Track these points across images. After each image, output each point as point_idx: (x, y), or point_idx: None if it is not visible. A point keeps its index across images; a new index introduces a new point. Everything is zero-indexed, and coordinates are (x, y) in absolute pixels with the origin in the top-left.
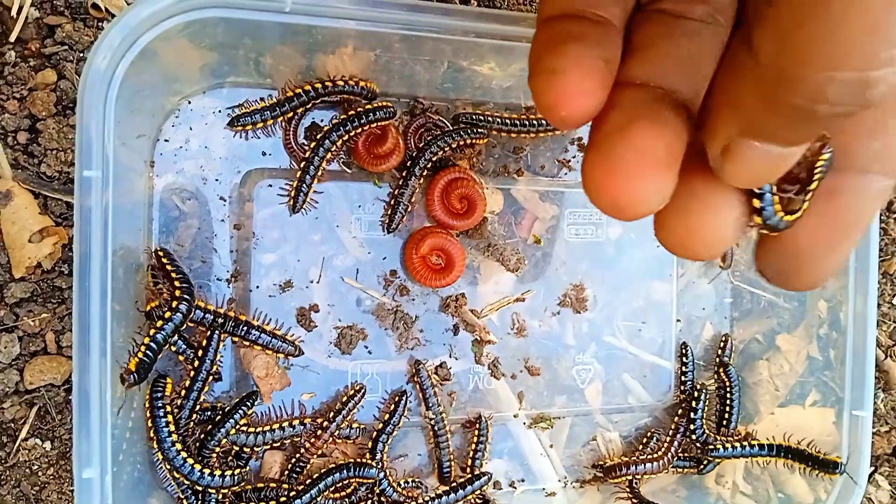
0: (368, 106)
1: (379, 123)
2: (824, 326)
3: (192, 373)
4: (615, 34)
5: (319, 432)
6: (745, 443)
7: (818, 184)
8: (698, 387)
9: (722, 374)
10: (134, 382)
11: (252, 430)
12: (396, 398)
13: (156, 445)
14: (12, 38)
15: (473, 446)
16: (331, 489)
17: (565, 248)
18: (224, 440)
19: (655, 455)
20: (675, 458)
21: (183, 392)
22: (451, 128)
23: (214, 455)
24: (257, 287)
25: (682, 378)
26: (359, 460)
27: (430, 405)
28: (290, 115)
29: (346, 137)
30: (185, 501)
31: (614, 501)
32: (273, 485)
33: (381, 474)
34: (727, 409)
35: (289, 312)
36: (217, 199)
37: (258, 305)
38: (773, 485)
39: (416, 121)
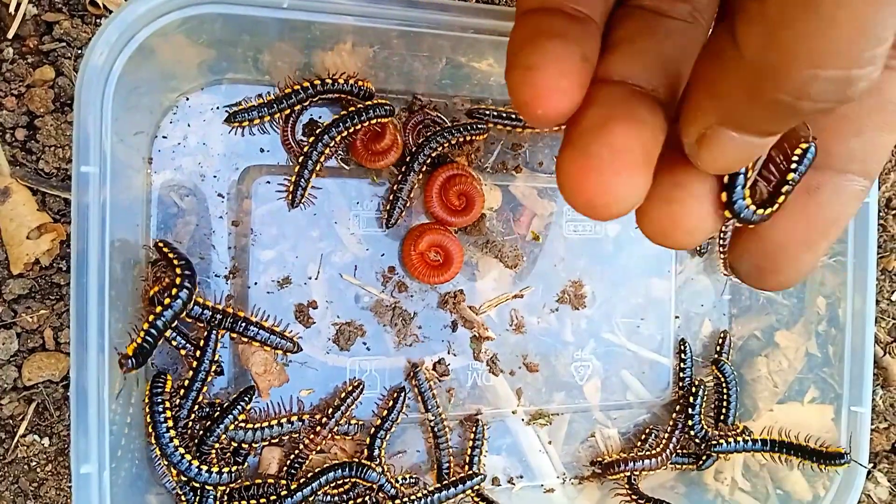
0: (368, 103)
1: (379, 121)
2: (823, 323)
3: (193, 369)
4: (595, 31)
5: (318, 428)
6: (748, 438)
7: (799, 179)
8: (696, 383)
9: (715, 370)
10: (132, 367)
11: (250, 426)
12: (395, 395)
13: (154, 441)
14: (10, 35)
15: (470, 450)
16: (329, 486)
17: (564, 245)
18: (223, 436)
19: (654, 451)
20: (674, 455)
21: (183, 390)
22: (449, 124)
23: (213, 451)
24: (255, 283)
25: (681, 375)
26: (361, 461)
27: (430, 407)
28: (288, 111)
29: (344, 134)
30: (182, 498)
31: (613, 498)
32: (271, 481)
33: (383, 479)
34: (724, 405)
35: (287, 309)
36: (215, 195)
37: (256, 302)
38: (771, 481)
39: (414, 117)
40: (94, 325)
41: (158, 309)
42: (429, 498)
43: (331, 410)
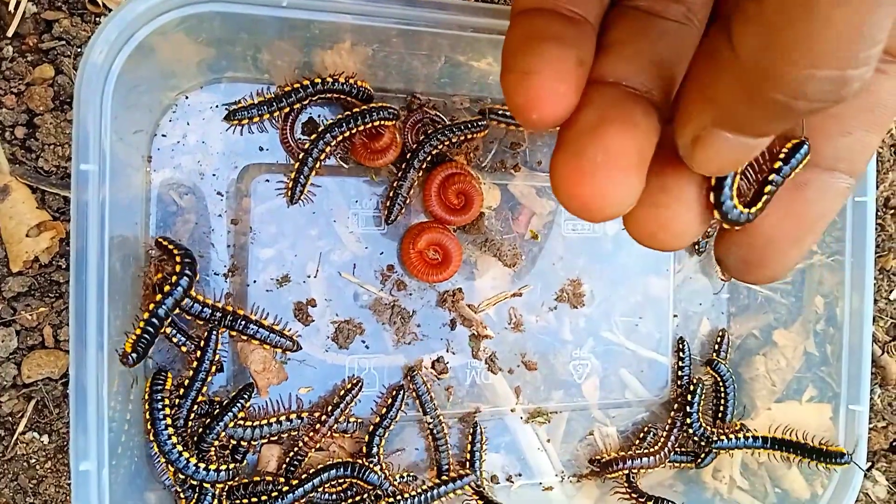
0: (373, 105)
1: (383, 123)
2: (821, 322)
3: (193, 368)
4: (590, 32)
5: (317, 426)
6: (748, 435)
7: (782, 181)
8: (694, 381)
9: (711, 371)
10: (133, 362)
11: (249, 423)
12: (393, 392)
13: (153, 439)
14: (10, 34)
15: (469, 455)
16: (327, 484)
17: (562, 244)
18: (222, 434)
19: (652, 449)
20: (672, 453)
21: (183, 388)
22: (448, 122)
23: (212, 449)
24: (254, 282)
25: (679, 373)
26: (362, 462)
27: (428, 410)
28: (287, 110)
29: (347, 134)
30: (181, 495)
31: (612, 495)
32: (269, 478)
33: (386, 483)
34: (721, 403)
35: (286, 307)
36: (214, 194)
37: (255, 300)
38: (769, 480)
39: (413, 116)
40: (93, 322)
41: (158, 297)
42: (422, 496)
43: (330, 408)
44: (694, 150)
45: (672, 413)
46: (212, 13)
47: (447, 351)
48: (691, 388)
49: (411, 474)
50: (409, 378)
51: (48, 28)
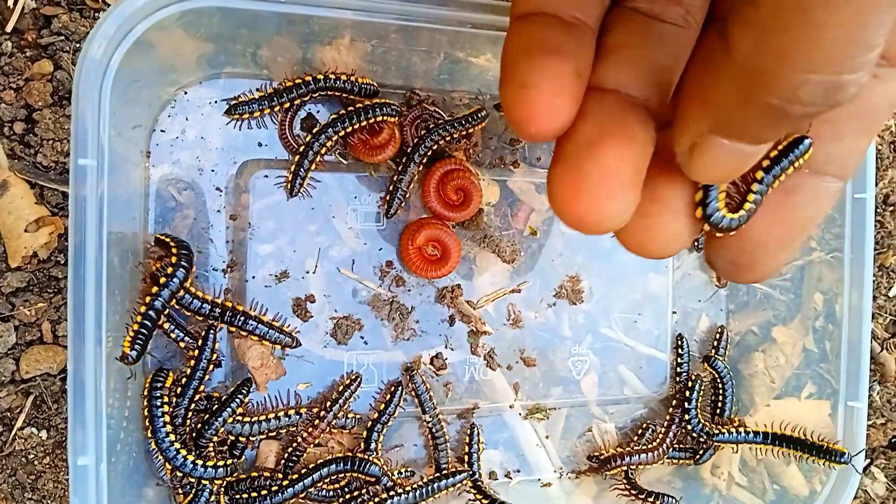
0: (376, 101)
1: (386, 119)
2: (820, 319)
3: (191, 367)
4: (589, 38)
5: (316, 422)
6: (750, 430)
7: (767, 189)
8: (693, 378)
9: (708, 367)
10: (133, 360)
11: (248, 419)
12: (392, 388)
13: (150, 436)
14: (9, 29)
15: (467, 456)
16: (326, 480)
17: (561, 240)
18: (221, 429)
19: (651, 446)
20: (671, 449)
21: (180, 388)
22: (447, 118)
23: (211, 445)
24: (253, 277)
25: (678, 370)
26: (363, 457)
27: (427, 409)
28: (288, 105)
29: (349, 129)
30: (179, 490)
31: (611, 491)
32: (267, 474)
33: (384, 478)
34: (719, 400)
35: (285, 303)
36: (213, 189)
37: (254, 295)
38: (768, 476)
39: (412, 112)
40: (91, 318)
41: (154, 289)
42: (418, 491)
43: (328, 404)
44: (691, 157)
45: (670, 409)
46: (211, 8)
47: (446, 347)
48: (690, 384)
49: (409, 470)
50: (408, 378)
51: (47, 23)
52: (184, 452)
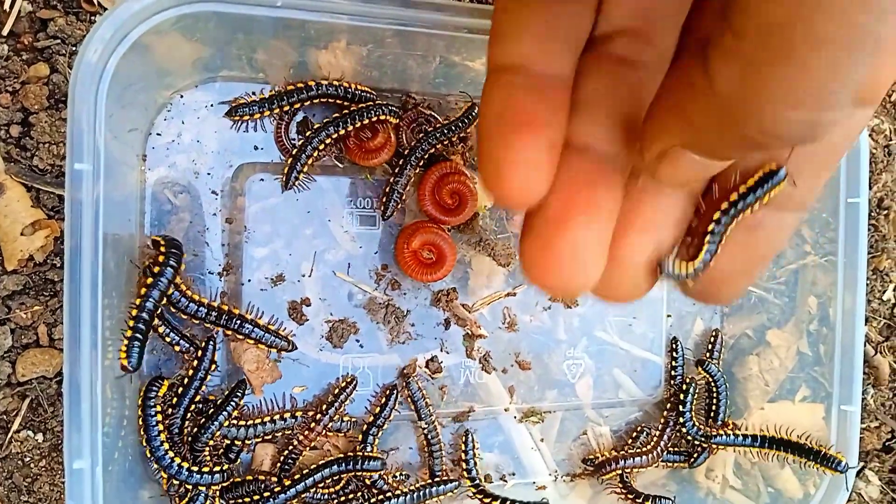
0: (378, 101)
1: (388, 118)
2: (814, 322)
3: (188, 377)
4: (563, 99)
5: (312, 425)
6: (748, 434)
7: (721, 233)
8: (688, 381)
9: (702, 370)
10: (135, 368)
11: (243, 423)
12: (387, 392)
13: (146, 444)
14: (5, 32)
15: (464, 464)
16: (324, 482)
17: None
18: (217, 433)
19: (645, 449)
20: (665, 452)
21: (176, 397)
22: (443, 122)
23: (207, 449)
24: (249, 281)
25: (672, 373)
26: (361, 454)
27: (423, 416)
28: (288, 108)
29: (350, 128)
30: (175, 494)
31: (608, 494)
32: (262, 477)
33: (381, 482)
34: (713, 403)
35: (280, 306)
36: (209, 192)
37: (250, 299)
38: (762, 479)
39: (408, 115)
40: (87, 321)
41: (143, 290)
42: (408, 497)
43: (324, 407)
44: (659, 164)
45: (665, 412)
46: (207, 13)
47: (441, 350)
48: (684, 387)
49: (404, 473)
50: (405, 384)
51: (43, 27)
52: (178, 460)
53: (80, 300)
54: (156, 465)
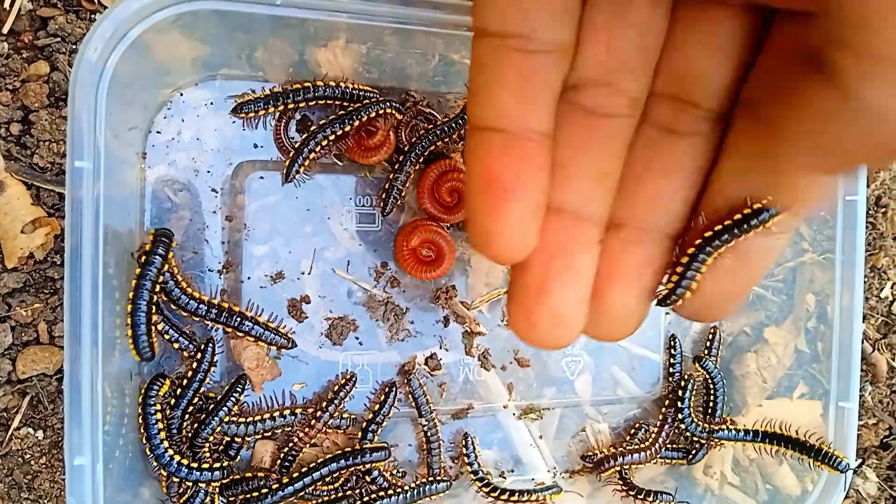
0: (381, 98)
1: (393, 113)
2: (812, 319)
3: (188, 378)
4: (544, 158)
5: (311, 422)
6: (750, 429)
7: (700, 268)
8: (686, 378)
9: (699, 367)
10: (151, 356)
11: (243, 420)
12: (386, 389)
13: (145, 442)
14: (5, 30)
15: (468, 466)
16: (326, 477)
17: None
18: (217, 429)
19: (643, 445)
20: (664, 449)
21: (174, 398)
22: (441, 120)
23: (207, 445)
24: (249, 278)
25: (671, 370)
26: (361, 447)
27: (423, 413)
28: (293, 106)
29: (356, 124)
30: (175, 491)
31: (606, 490)
32: (261, 474)
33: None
34: (711, 400)
35: (280, 303)
36: (209, 190)
37: (250, 296)
38: (760, 476)
39: (407, 113)
40: (87, 318)
41: (133, 282)
42: (405, 494)
43: (324, 404)
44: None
45: (663, 409)
46: (207, 11)
47: (440, 348)
48: (682, 384)
49: (402, 470)
50: (405, 381)
51: (44, 25)
52: (177, 458)
53: (81, 298)
54: (155, 463)
